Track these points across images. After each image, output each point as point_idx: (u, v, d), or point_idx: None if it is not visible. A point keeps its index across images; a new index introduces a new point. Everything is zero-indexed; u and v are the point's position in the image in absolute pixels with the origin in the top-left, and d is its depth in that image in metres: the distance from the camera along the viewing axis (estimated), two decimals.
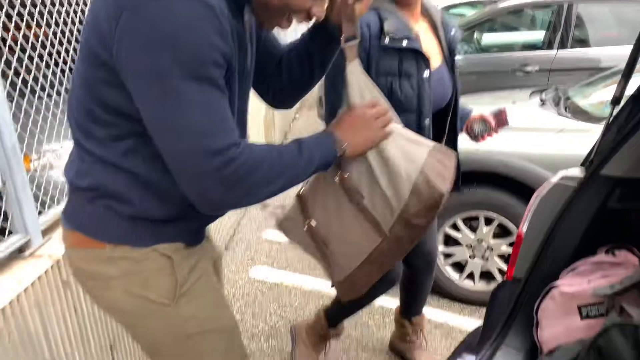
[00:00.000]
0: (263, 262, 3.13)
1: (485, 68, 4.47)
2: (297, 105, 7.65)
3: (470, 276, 2.58)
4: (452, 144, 1.82)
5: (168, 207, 0.99)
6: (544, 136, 2.41)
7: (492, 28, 5.15)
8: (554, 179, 1.39)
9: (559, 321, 1.23)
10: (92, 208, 0.98)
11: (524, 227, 1.49)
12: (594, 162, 1.34)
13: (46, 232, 1.57)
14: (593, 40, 4.37)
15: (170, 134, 0.84)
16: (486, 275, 2.58)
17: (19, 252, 1.46)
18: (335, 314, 2.09)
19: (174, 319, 1.04)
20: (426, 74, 1.58)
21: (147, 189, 0.96)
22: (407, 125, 1.64)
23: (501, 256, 2.50)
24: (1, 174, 1.39)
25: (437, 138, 1.69)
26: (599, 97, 2.72)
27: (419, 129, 1.61)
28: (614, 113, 1.32)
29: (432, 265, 2.02)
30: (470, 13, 7.29)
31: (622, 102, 1.30)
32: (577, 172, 1.40)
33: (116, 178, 0.95)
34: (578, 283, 1.22)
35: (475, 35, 4.99)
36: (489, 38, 5.11)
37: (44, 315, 1.42)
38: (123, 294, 1.02)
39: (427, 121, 1.64)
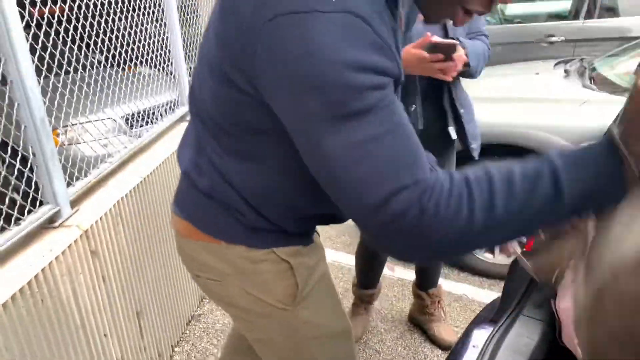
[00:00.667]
0: None
1: (508, 39, 4.38)
2: None
3: (490, 249, 2.59)
4: (456, 124, 1.81)
5: (284, 226, 0.92)
6: (567, 108, 2.37)
7: None
8: None
9: None
10: (208, 203, 0.91)
11: None
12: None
13: (75, 203, 1.62)
14: (622, 9, 4.23)
15: (328, 185, 0.70)
16: None
17: (49, 222, 1.51)
18: (359, 274, 2.21)
19: (289, 321, 0.98)
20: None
21: (260, 213, 0.89)
22: None
23: None
24: (31, 146, 1.43)
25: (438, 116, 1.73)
26: (626, 67, 2.65)
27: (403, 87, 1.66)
28: None
29: None
30: None
31: None
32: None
33: (231, 193, 0.87)
34: None
35: (499, 5, 4.87)
36: (512, 9, 4.99)
37: (75, 283, 1.47)
38: (239, 291, 0.96)
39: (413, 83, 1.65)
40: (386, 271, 2.77)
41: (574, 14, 4.28)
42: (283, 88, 0.66)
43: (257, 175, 0.85)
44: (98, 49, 1.96)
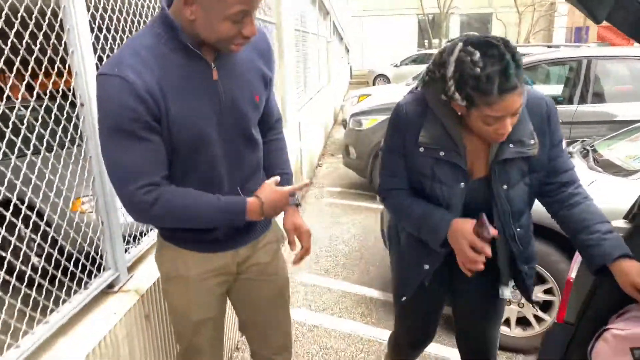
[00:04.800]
0: (301, 304, 3.23)
1: None
2: (320, 152, 7.88)
3: (507, 322, 2.66)
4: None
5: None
6: None
7: None
8: None
9: None
10: None
11: (572, 273, 1.61)
12: (637, 214, 1.47)
13: (130, 269, 1.71)
14: (608, 95, 4.56)
15: (107, 169, 1.22)
16: (522, 321, 2.65)
17: (108, 287, 1.60)
18: None
19: (164, 289, 1.46)
20: (462, 185, 1.44)
21: None
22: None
23: (537, 302, 2.58)
24: (101, 216, 1.55)
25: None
26: (627, 150, 2.86)
27: None
28: None
29: None
30: None
31: None
32: (621, 223, 1.53)
33: None
34: (631, 326, 1.33)
35: None
36: None
37: (132, 346, 1.54)
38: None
39: None
40: None
41: (568, 99, 4.60)
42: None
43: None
44: None
